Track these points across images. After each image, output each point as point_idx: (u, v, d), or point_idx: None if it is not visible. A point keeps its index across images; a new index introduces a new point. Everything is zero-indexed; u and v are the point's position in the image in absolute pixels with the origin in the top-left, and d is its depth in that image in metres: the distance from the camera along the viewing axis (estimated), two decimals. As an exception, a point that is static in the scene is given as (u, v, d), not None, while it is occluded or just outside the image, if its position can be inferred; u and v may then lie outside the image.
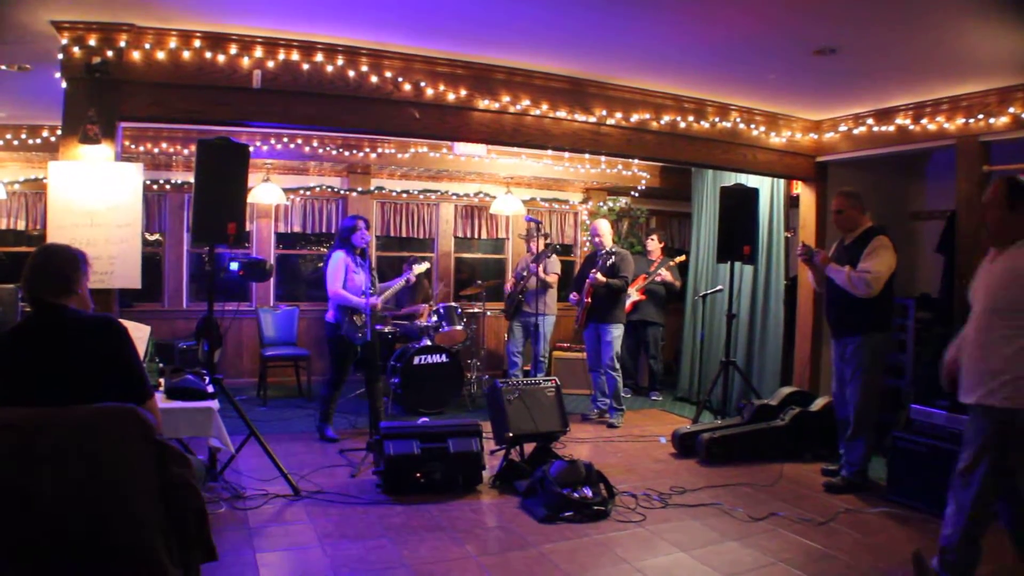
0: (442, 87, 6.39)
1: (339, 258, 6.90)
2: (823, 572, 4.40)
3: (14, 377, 3.00)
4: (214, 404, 4.99)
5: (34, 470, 2.68)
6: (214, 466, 5.62)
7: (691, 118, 7.52)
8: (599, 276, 7.87)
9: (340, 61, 6.05)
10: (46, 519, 2.67)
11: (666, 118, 7.38)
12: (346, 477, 5.99)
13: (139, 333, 4.90)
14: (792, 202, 8.87)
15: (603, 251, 8.10)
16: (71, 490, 2.69)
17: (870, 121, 7.62)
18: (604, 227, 8.32)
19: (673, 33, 5.71)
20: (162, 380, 5.18)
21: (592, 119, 7.06)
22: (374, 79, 6.15)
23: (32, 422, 2.74)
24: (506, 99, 6.66)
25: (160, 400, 4.70)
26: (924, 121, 7.12)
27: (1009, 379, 3.74)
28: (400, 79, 6.23)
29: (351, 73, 6.07)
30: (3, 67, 6.42)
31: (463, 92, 6.47)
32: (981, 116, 6.63)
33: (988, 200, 3.97)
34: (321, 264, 8.60)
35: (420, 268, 8.04)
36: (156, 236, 9.75)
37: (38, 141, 8.54)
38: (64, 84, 5.50)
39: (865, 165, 8.11)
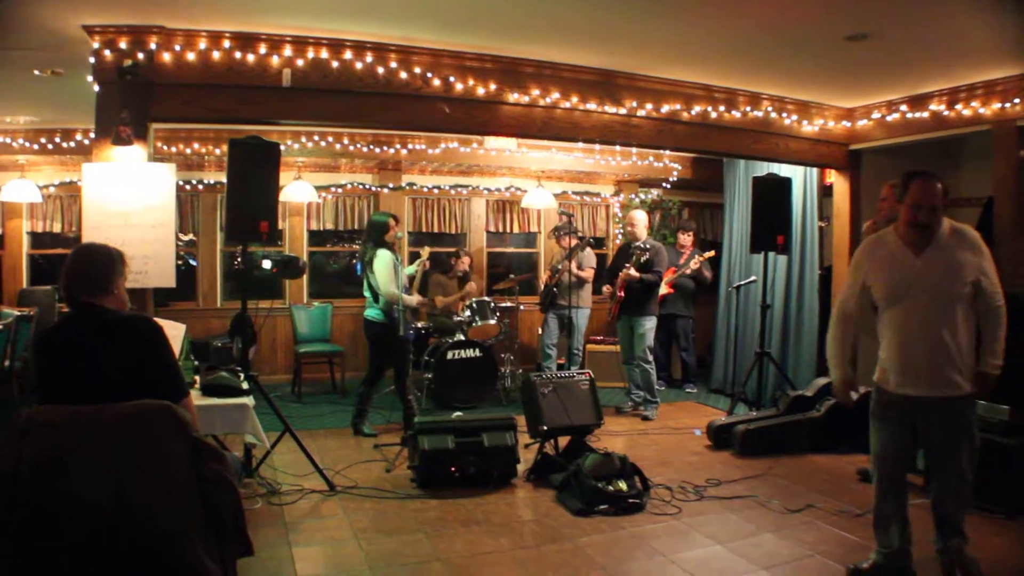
0: (471, 81, 6.39)
1: (388, 259, 6.83)
2: (861, 564, 4.35)
3: (52, 376, 3.04)
4: (249, 400, 5.03)
5: (71, 468, 2.71)
6: (250, 462, 5.67)
7: (722, 108, 7.46)
8: (632, 272, 7.84)
9: (369, 58, 6.07)
10: (83, 516, 2.69)
11: (697, 108, 7.33)
12: (381, 472, 6.02)
13: (174, 331, 4.94)
14: (825, 191, 8.78)
15: (637, 243, 8.06)
16: (108, 487, 2.71)
17: (904, 108, 7.52)
18: (640, 218, 8.28)
19: (702, 23, 5.66)
20: (197, 378, 5.22)
21: (622, 111, 7.03)
22: (403, 75, 6.15)
23: (69, 420, 2.77)
24: (535, 92, 6.65)
25: (195, 398, 4.73)
26: (959, 106, 7.02)
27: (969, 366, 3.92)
28: (429, 74, 6.23)
29: (380, 70, 6.09)
30: (36, 72, 6.51)
31: (492, 86, 6.46)
32: (1017, 100, 6.52)
33: (932, 204, 3.94)
34: (355, 261, 8.59)
35: (425, 252, 7.99)
36: (190, 236, 9.85)
37: (72, 144, 8.65)
38: (96, 87, 5.57)
39: (899, 152, 7.98)
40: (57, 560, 2.70)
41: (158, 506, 2.77)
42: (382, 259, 6.85)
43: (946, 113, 7.15)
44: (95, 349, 3.01)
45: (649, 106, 7.12)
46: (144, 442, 2.79)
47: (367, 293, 7.02)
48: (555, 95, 6.72)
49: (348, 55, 6.01)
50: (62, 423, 2.77)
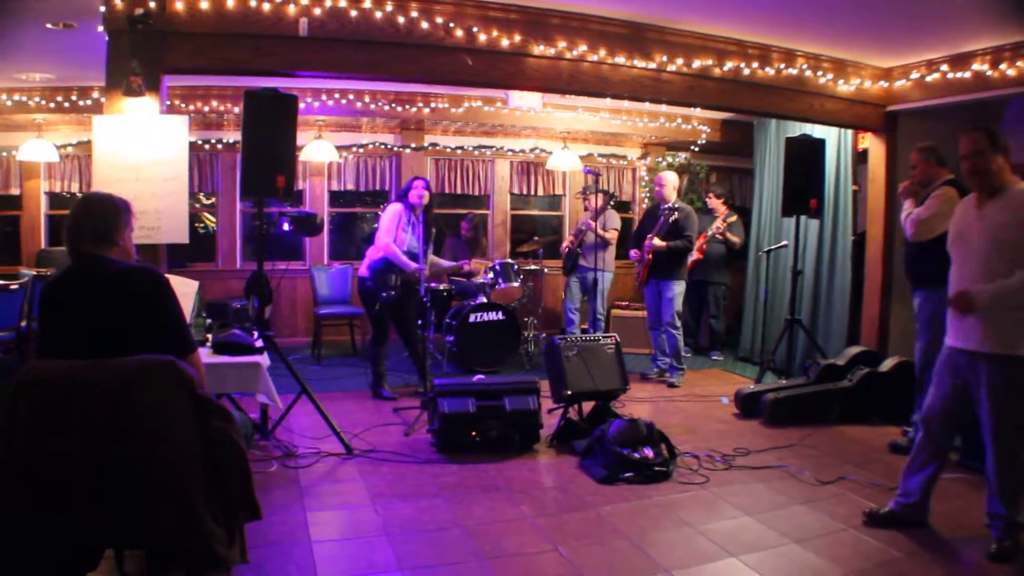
0: (495, 32, 6.15)
1: (394, 210, 6.78)
2: (896, 540, 4.16)
3: (52, 329, 2.97)
4: (262, 359, 4.90)
5: (68, 425, 2.64)
6: (266, 424, 5.57)
7: (755, 64, 7.19)
8: (657, 241, 7.66)
9: (389, 7, 5.84)
10: (81, 474, 2.62)
11: (729, 64, 7.06)
12: (400, 436, 5.90)
13: (186, 288, 4.81)
14: (860, 157, 8.51)
15: (665, 206, 7.84)
16: (107, 445, 2.65)
17: (944, 67, 7.21)
18: (669, 179, 8.03)
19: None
20: (209, 335, 5.08)
21: (652, 65, 6.77)
22: (425, 25, 5.93)
23: (72, 374, 2.69)
24: (562, 45, 6.40)
25: (207, 355, 4.64)
26: (1003, 66, 6.69)
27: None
28: (451, 24, 6.01)
29: (400, 19, 5.86)
30: (49, 25, 6.34)
31: (517, 38, 6.22)
32: (1067, 59, 6.23)
33: (973, 150, 3.94)
34: (376, 225, 8.45)
35: (481, 264, 7.81)
36: (212, 200, 9.74)
37: (88, 102, 8.48)
38: (107, 37, 5.39)
39: (937, 115, 7.66)
40: (54, 520, 2.64)
41: (160, 465, 2.70)
42: (389, 208, 6.85)
43: (989, 73, 6.83)
44: (96, 301, 2.92)
45: (680, 61, 6.86)
46: (146, 398, 2.72)
47: None
48: (582, 48, 6.47)
49: (367, 3, 5.78)
50: (59, 378, 2.71)
